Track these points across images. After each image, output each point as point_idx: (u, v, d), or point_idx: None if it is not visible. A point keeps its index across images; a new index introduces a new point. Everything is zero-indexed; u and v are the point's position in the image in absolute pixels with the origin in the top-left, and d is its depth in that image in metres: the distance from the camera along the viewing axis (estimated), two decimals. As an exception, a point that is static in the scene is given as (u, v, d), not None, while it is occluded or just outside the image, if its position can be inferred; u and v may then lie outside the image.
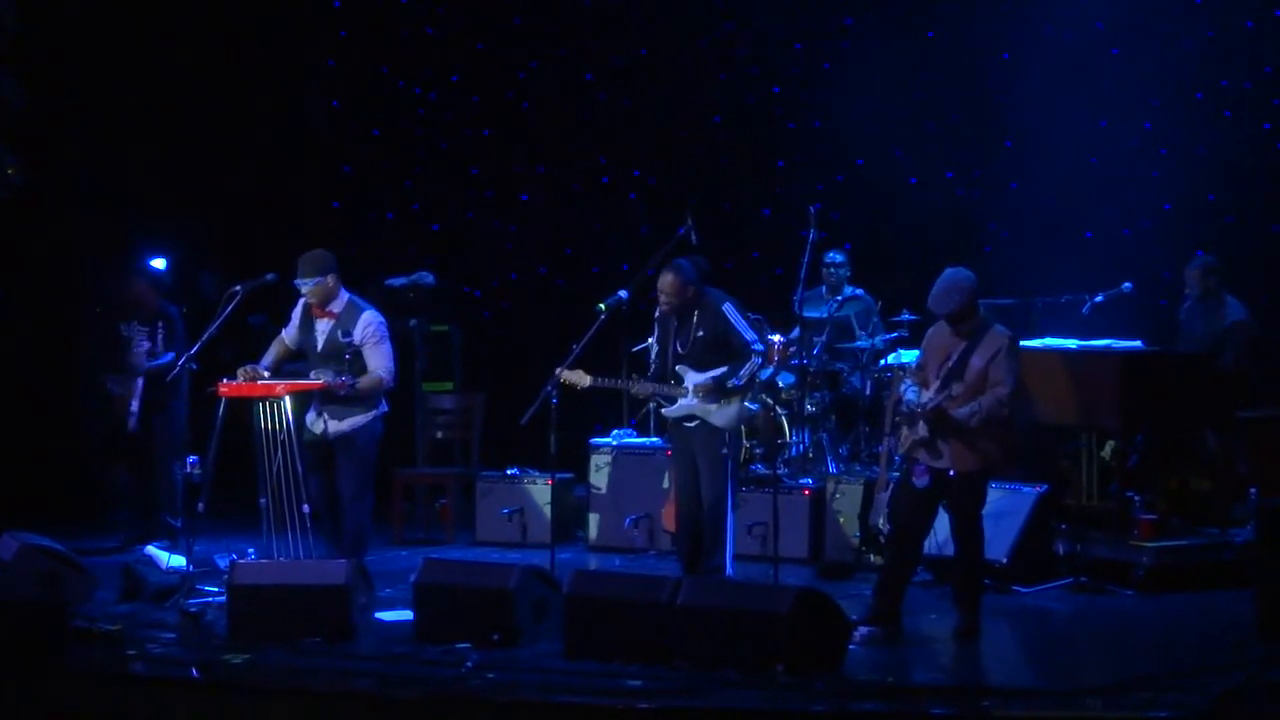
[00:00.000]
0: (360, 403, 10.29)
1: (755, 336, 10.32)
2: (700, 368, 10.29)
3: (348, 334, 10.31)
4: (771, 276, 13.36)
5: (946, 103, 13.79)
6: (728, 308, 10.31)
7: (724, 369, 10.22)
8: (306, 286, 10.34)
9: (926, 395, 9.36)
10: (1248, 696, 8.17)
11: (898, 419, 9.53)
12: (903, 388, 9.59)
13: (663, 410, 10.64)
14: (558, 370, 10.28)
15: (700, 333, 10.31)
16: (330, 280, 10.37)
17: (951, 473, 9.33)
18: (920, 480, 9.38)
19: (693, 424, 10.35)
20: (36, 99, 13.04)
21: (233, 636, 9.27)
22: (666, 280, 10.32)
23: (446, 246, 14.82)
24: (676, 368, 10.37)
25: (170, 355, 11.64)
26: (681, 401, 10.34)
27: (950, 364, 9.34)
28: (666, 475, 11.59)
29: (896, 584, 9.48)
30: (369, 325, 10.35)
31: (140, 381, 12.05)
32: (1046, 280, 12.30)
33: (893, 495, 9.76)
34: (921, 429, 9.31)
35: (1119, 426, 10.89)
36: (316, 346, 10.40)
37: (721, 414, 10.26)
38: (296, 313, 10.55)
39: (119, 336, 12.29)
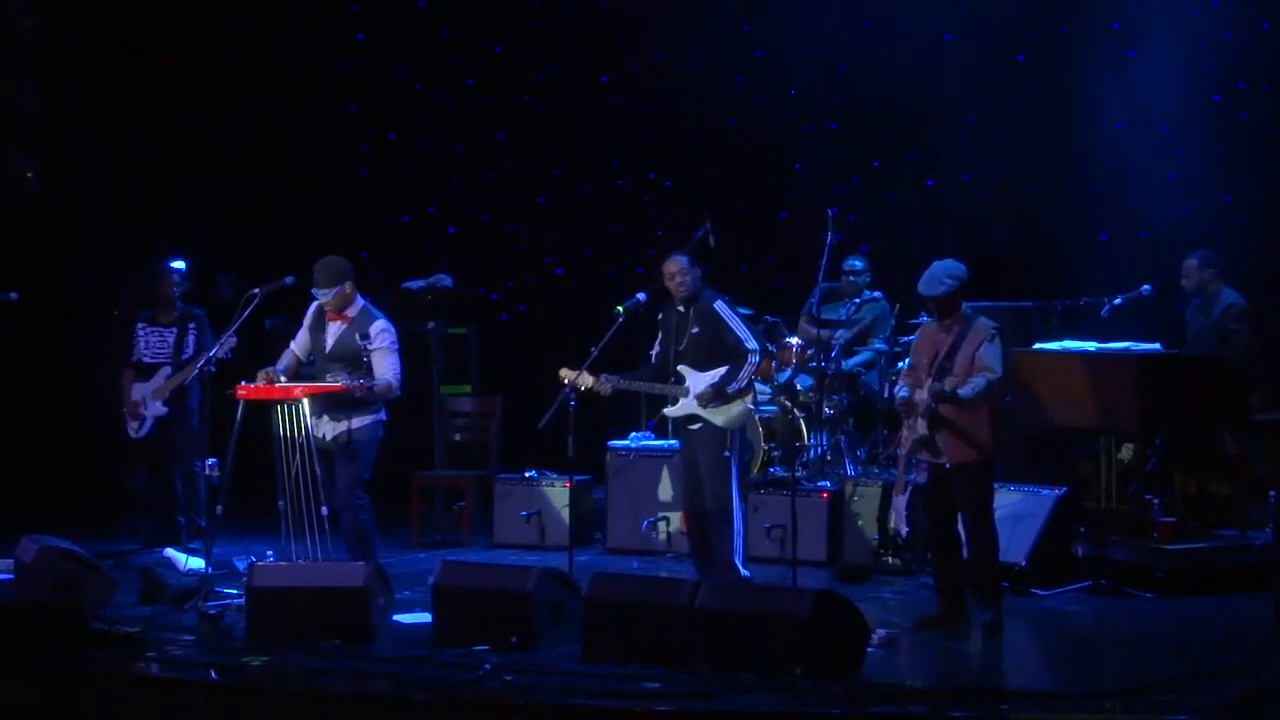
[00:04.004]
0: (360, 406, 10.28)
1: (749, 334, 10.36)
2: (699, 366, 10.32)
3: (364, 337, 10.31)
4: (789, 279, 13.34)
5: (962, 105, 13.75)
6: (719, 305, 10.38)
7: (723, 371, 10.25)
8: (326, 295, 10.31)
9: (920, 393, 9.47)
10: (1267, 699, 8.16)
11: (903, 419, 9.65)
12: (896, 389, 9.75)
13: (665, 410, 10.67)
14: (566, 377, 10.28)
15: (695, 329, 10.37)
16: (348, 287, 10.35)
17: (948, 465, 9.44)
18: (920, 478, 9.52)
19: (696, 425, 10.37)
20: (53, 102, 13.08)
21: (251, 639, 9.29)
22: (676, 264, 10.39)
23: (463, 249, 14.83)
24: (678, 367, 10.40)
25: (214, 352, 11.43)
26: (683, 401, 10.37)
27: (940, 359, 9.49)
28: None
29: (950, 580, 9.64)
30: (382, 332, 10.33)
31: (160, 382, 12.06)
32: (1064, 283, 12.29)
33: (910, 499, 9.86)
34: (920, 426, 9.43)
35: (1138, 429, 10.86)
36: (325, 348, 10.38)
37: (724, 414, 10.28)
38: (307, 319, 10.56)
39: (127, 338, 12.28)
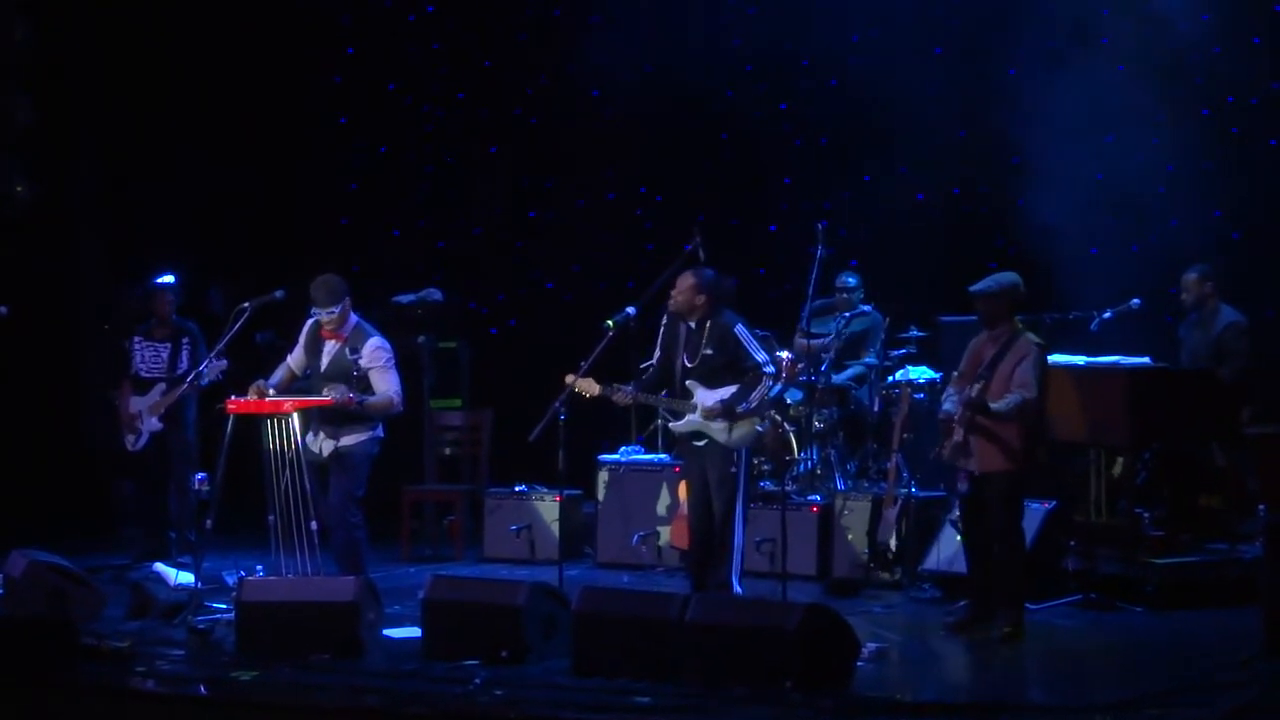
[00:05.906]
0: (358, 421, 10.28)
1: (767, 357, 10.31)
2: (708, 384, 10.28)
3: (355, 353, 10.30)
4: (779, 292, 13.34)
5: (952, 119, 13.77)
6: (740, 330, 10.28)
7: (734, 390, 10.20)
8: (327, 314, 10.30)
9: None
10: (1257, 713, 8.17)
11: (941, 427, 9.82)
12: (943, 398, 9.98)
13: (670, 425, 10.64)
14: (568, 378, 10.26)
15: (709, 350, 10.28)
16: (347, 304, 10.38)
17: (977, 472, 9.64)
18: (962, 486, 9.79)
19: (702, 442, 10.33)
20: (44, 114, 13.08)
21: (241, 653, 9.29)
22: (683, 279, 10.34)
23: (454, 263, 14.83)
24: (686, 382, 10.36)
25: (204, 368, 11.39)
26: (689, 417, 10.32)
27: (982, 367, 9.71)
28: (674, 491, 11.62)
29: (979, 582, 9.86)
30: (376, 350, 10.33)
31: (156, 397, 12.07)
32: (1053, 296, 12.29)
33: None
34: (958, 434, 9.49)
35: (1128, 443, 10.89)
36: (321, 367, 10.39)
37: (729, 432, 10.24)
38: (302, 335, 10.55)
39: (125, 352, 12.29)
